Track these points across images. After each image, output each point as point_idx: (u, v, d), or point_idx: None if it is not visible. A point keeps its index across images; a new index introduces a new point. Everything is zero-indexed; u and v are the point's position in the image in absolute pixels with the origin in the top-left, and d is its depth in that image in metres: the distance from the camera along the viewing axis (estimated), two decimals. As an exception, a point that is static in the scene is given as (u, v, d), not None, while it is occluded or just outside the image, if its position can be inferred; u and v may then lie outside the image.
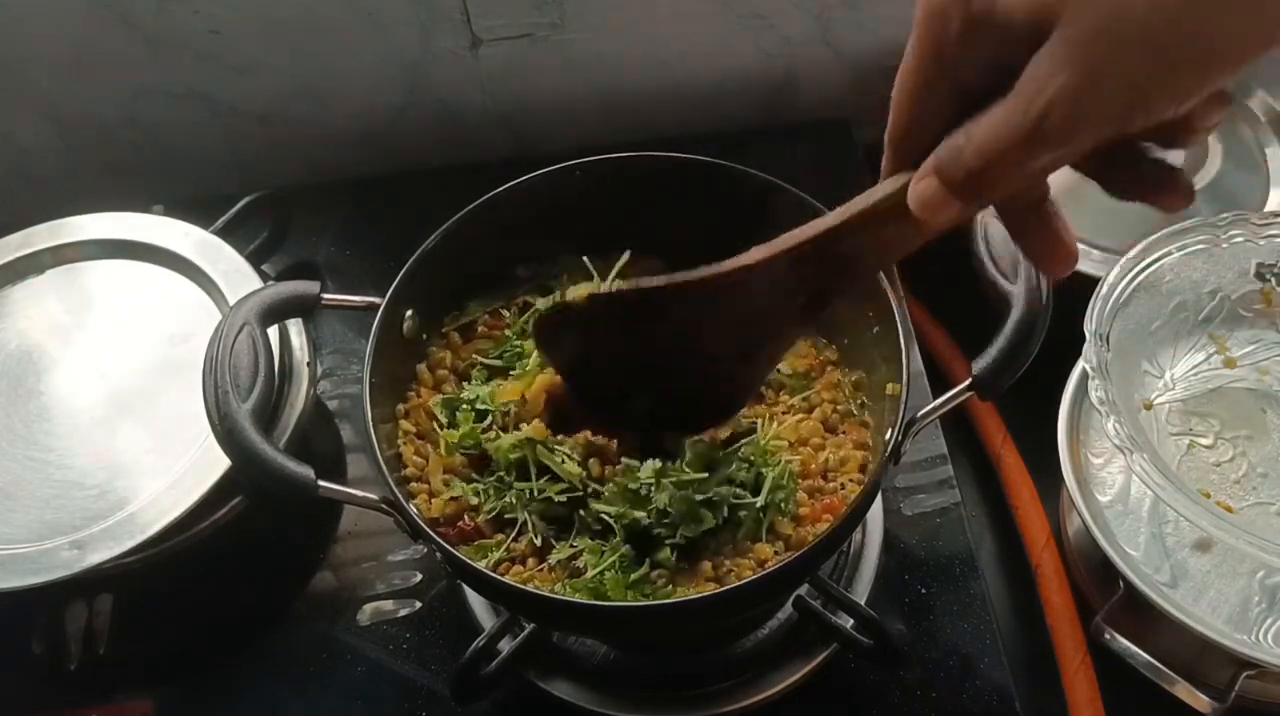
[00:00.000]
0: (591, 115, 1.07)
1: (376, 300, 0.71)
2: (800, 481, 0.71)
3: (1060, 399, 0.81)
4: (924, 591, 0.79)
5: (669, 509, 0.66)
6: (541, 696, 0.74)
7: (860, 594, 0.77)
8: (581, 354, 0.63)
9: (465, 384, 0.77)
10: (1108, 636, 0.73)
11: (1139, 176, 0.44)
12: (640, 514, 0.67)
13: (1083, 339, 0.72)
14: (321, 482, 0.64)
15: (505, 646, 0.72)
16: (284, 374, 0.83)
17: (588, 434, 0.71)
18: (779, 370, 0.76)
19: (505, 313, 0.80)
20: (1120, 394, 0.71)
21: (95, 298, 0.88)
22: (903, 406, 0.66)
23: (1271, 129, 0.95)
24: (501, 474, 0.70)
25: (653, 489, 0.67)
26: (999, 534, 0.88)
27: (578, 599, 0.65)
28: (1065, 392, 0.81)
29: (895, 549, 0.81)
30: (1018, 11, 0.39)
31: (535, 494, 0.69)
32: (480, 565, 0.65)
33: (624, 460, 0.69)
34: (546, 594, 0.65)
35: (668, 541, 0.67)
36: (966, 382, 0.65)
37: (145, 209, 0.92)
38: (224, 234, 0.90)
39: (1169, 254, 0.77)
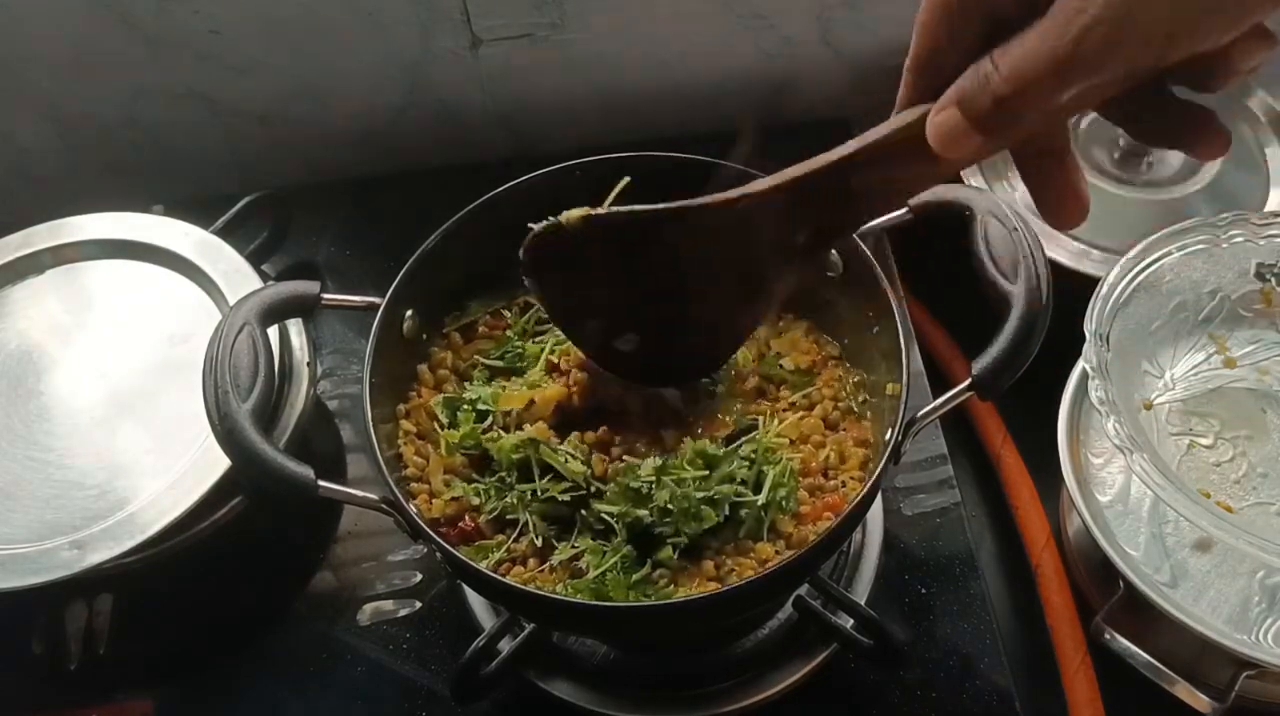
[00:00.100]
0: (591, 115, 1.07)
1: (376, 300, 0.72)
2: (801, 479, 0.71)
3: (1060, 399, 0.81)
4: (924, 591, 0.79)
5: (670, 506, 0.66)
6: (541, 696, 0.74)
7: (860, 594, 0.77)
8: (573, 285, 0.60)
9: (466, 384, 0.77)
10: (1108, 636, 0.73)
11: (1170, 119, 0.42)
12: (642, 512, 0.67)
13: (1083, 339, 0.72)
14: (321, 482, 0.64)
15: (505, 646, 0.72)
16: (284, 374, 0.83)
17: (589, 433, 0.71)
18: (781, 366, 0.76)
19: (506, 313, 0.80)
20: (1120, 394, 0.71)
21: (95, 298, 0.88)
22: (903, 406, 0.66)
23: (1271, 129, 0.95)
24: (503, 474, 0.70)
25: (653, 487, 0.67)
26: (999, 534, 0.88)
27: (578, 599, 0.65)
28: (1065, 392, 0.81)
29: (895, 549, 0.81)
30: None
31: (538, 494, 0.69)
32: (481, 566, 0.65)
33: (625, 458, 0.69)
34: (547, 594, 0.65)
35: (669, 540, 0.67)
36: (966, 383, 0.65)
37: (145, 209, 0.92)
38: (224, 234, 0.90)
39: (1169, 254, 0.77)
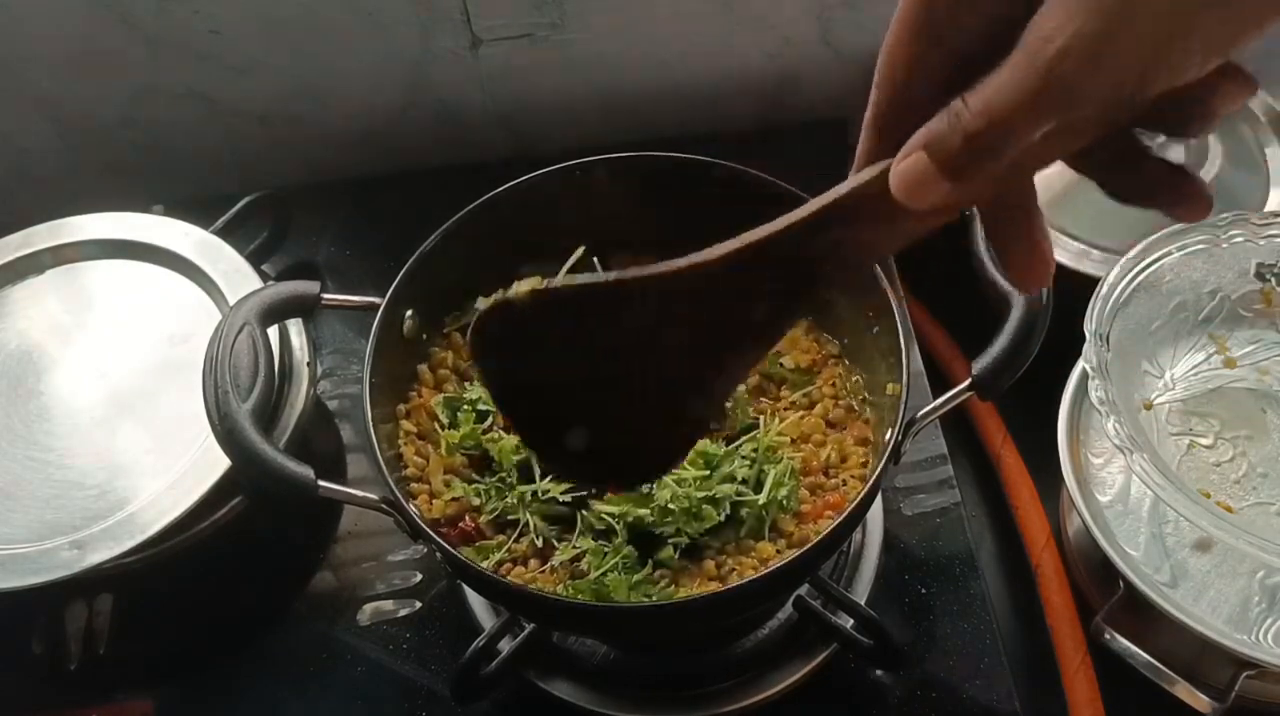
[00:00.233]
0: (591, 115, 1.07)
1: (376, 300, 0.71)
2: (802, 478, 0.71)
3: (1060, 399, 0.81)
4: (924, 591, 0.79)
5: (671, 506, 0.66)
6: (541, 696, 0.74)
7: (860, 594, 0.77)
8: (521, 368, 0.55)
9: (467, 384, 0.77)
10: (1108, 636, 0.73)
11: (1146, 177, 0.40)
12: (644, 511, 0.67)
13: (1083, 339, 0.72)
14: (321, 482, 0.64)
15: (505, 646, 0.72)
16: (284, 374, 0.83)
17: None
18: (781, 364, 0.76)
19: (506, 313, 0.80)
20: (1120, 394, 0.71)
21: (95, 298, 0.88)
22: (903, 406, 0.66)
23: (1271, 129, 0.95)
24: (503, 475, 0.70)
25: (654, 486, 0.67)
26: (999, 534, 0.88)
27: (578, 599, 0.65)
28: (1065, 392, 0.81)
29: (895, 549, 0.81)
30: None
31: (539, 495, 0.69)
32: (482, 566, 0.65)
33: None
34: (547, 594, 0.65)
35: (670, 540, 0.67)
36: (966, 383, 0.66)
37: (145, 209, 0.92)
38: (224, 234, 0.89)
39: (1169, 254, 0.77)
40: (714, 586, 0.66)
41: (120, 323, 0.86)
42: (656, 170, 0.77)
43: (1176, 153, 0.42)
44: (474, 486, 0.71)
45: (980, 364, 0.65)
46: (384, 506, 0.65)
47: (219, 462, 0.75)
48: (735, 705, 0.73)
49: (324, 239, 1.02)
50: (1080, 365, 0.81)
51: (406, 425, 0.74)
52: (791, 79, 1.06)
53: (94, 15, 0.94)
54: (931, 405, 0.67)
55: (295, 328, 0.87)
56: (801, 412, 0.74)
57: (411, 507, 0.66)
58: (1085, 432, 0.80)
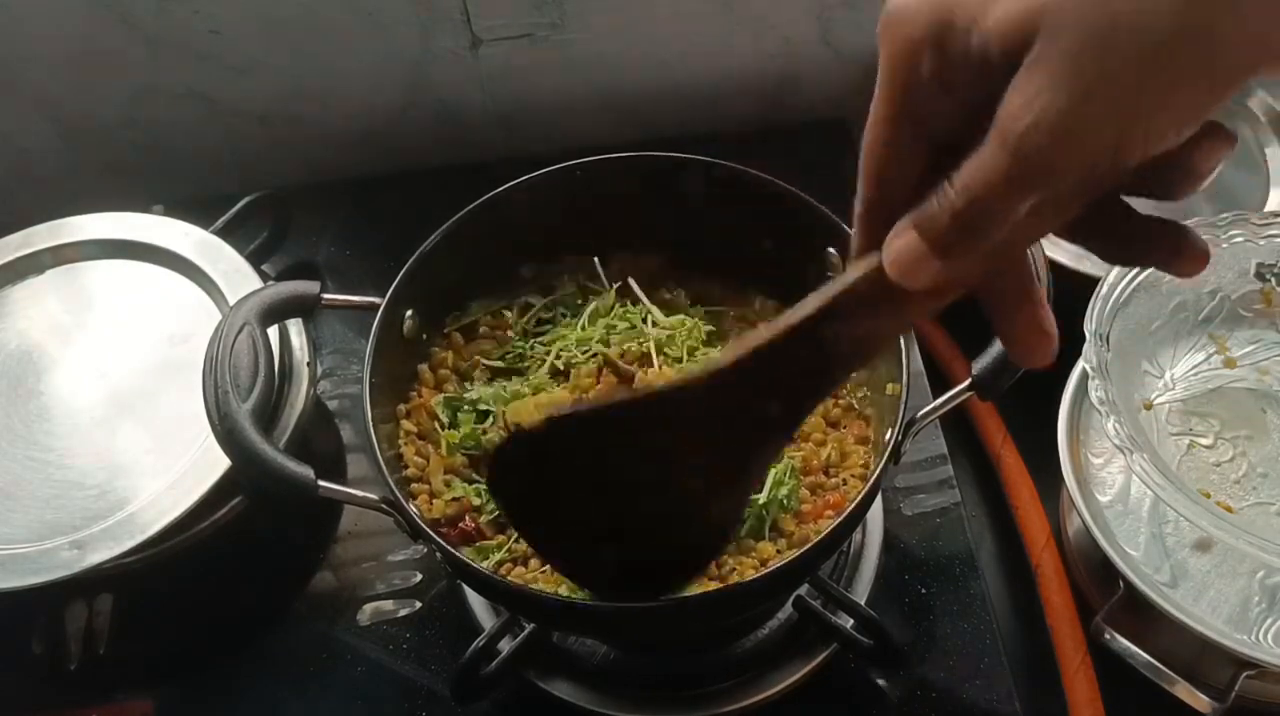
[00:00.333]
0: (591, 115, 1.07)
1: (376, 300, 0.71)
2: (802, 477, 0.71)
3: (1060, 399, 0.81)
4: (924, 591, 0.79)
5: None
6: (541, 696, 0.74)
7: (860, 594, 0.77)
8: (540, 493, 0.55)
9: (467, 384, 0.77)
10: (1108, 636, 0.73)
11: (1139, 237, 0.40)
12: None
13: (1083, 339, 0.72)
14: (321, 482, 0.64)
15: (505, 646, 0.72)
16: (284, 374, 0.83)
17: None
18: None
19: (507, 313, 0.80)
20: (1120, 394, 0.71)
21: (95, 298, 0.88)
22: (903, 406, 0.66)
23: (1271, 129, 0.95)
24: (503, 474, 0.70)
25: None
26: (999, 534, 0.88)
27: (578, 599, 0.64)
28: (1065, 392, 0.81)
29: (895, 549, 0.81)
30: (994, 39, 0.34)
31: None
32: (482, 566, 0.65)
33: None
34: (547, 593, 0.65)
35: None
36: (966, 383, 0.66)
37: (145, 209, 0.92)
38: (224, 234, 0.89)
39: (1169, 254, 0.77)
40: (714, 585, 0.66)
41: (120, 323, 0.86)
42: (656, 170, 0.77)
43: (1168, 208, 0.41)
44: (474, 486, 0.71)
45: (980, 364, 0.65)
46: (384, 506, 0.65)
47: (219, 462, 0.75)
48: (735, 705, 0.73)
49: (324, 239, 1.02)
50: (1080, 365, 0.81)
51: (407, 425, 0.74)
52: (791, 79, 1.06)
53: (94, 15, 0.94)
54: (931, 405, 0.67)
55: (295, 327, 0.86)
56: None
57: (411, 507, 0.66)
58: (1085, 432, 0.80)
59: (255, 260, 0.89)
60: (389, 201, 1.04)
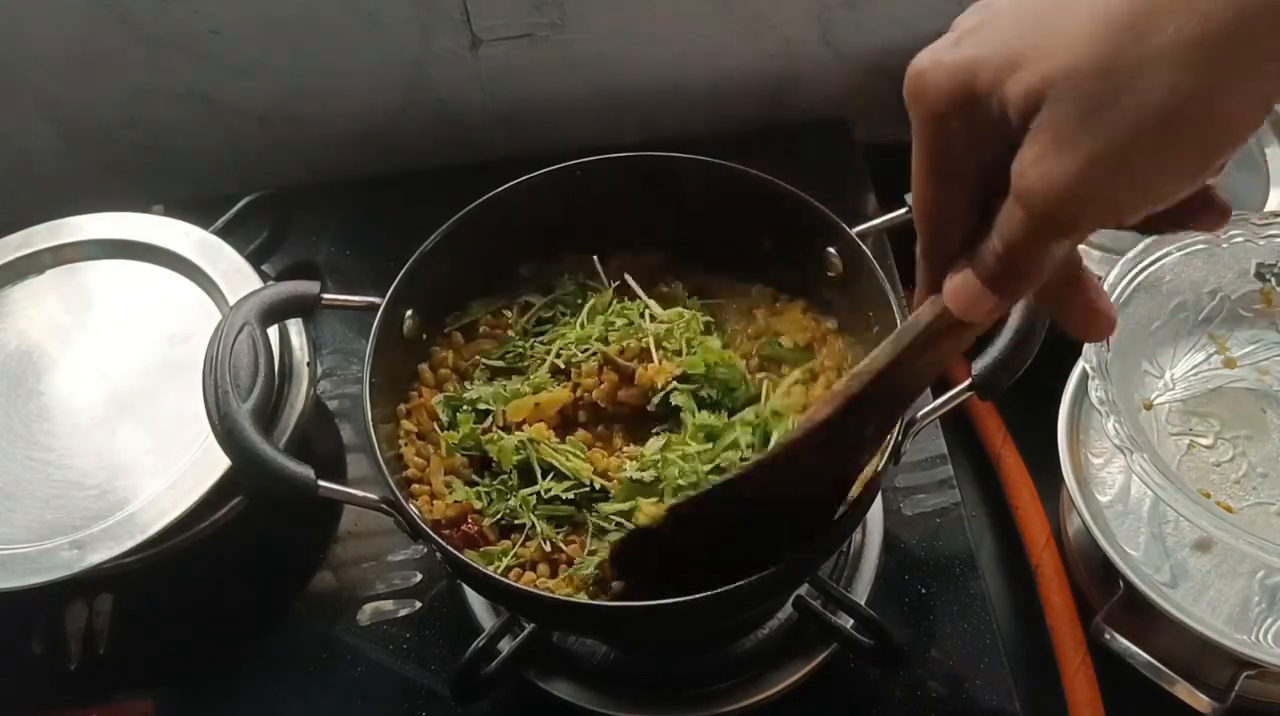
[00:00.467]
0: (591, 115, 1.07)
1: (376, 300, 0.71)
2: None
3: (1060, 399, 0.81)
4: (924, 591, 0.79)
5: (680, 481, 0.66)
6: (541, 696, 0.74)
7: (860, 594, 0.77)
8: (663, 568, 0.61)
9: (467, 384, 0.77)
10: (1108, 636, 0.73)
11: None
12: (651, 501, 0.67)
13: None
14: (321, 482, 0.63)
15: (505, 646, 0.72)
16: (284, 374, 0.83)
17: (584, 433, 0.71)
18: (780, 345, 0.76)
19: (507, 312, 0.80)
20: (1120, 394, 0.71)
21: (95, 298, 0.88)
22: (903, 406, 0.66)
23: (1271, 129, 0.95)
24: (505, 477, 0.70)
25: (660, 466, 0.67)
26: (999, 534, 0.88)
27: (578, 599, 0.64)
28: (1065, 393, 0.81)
29: (895, 549, 0.81)
30: (1012, 106, 0.37)
31: (542, 496, 0.69)
32: (487, 571, 0.65)
33: (627, 448, 0.69)
34: (546, 594, 0.65)
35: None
36: (966, 383, 0.66)
37: (145, 209, 0.92)
38: (224, 234, 0.89)
39: (1169, 254, 0.77)
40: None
41: (120, 323, 0.86)
42: (656, 170, 0.77)
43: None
44: (475, 489, 0.71)
45: (980, 364, 0.65)
46: (384, 506, 0.65)
47: (219, 462, 0.75)
48: (735, 705, 0.73)
49: (324, 239, 1.02)
50: (1080, 365, 0.81)
51: (407, 425, 0.74)
52: (791, 79, 1.06)
53: (94, 15, 0.94)
54: (931, 405, 0.67)
55: (295, 327, 0.87)
56: (804, 383, 0.74)
57: (412, 508, 0.66)
58: (1085, 432, 0.81)
59: (255, 260, 0.89)
60: (389, 201, 1.04)
